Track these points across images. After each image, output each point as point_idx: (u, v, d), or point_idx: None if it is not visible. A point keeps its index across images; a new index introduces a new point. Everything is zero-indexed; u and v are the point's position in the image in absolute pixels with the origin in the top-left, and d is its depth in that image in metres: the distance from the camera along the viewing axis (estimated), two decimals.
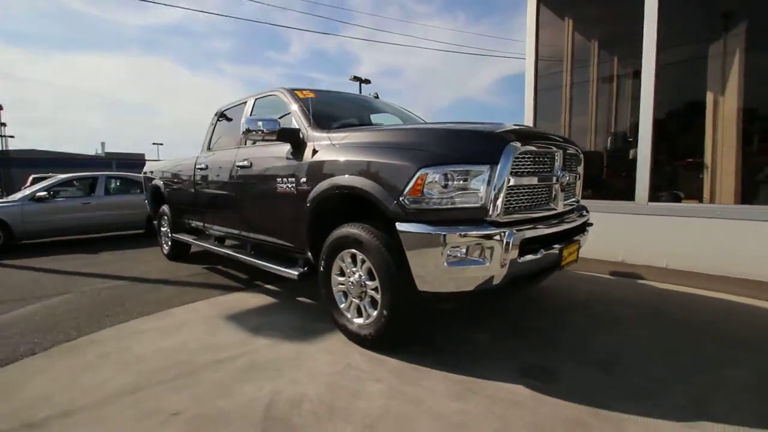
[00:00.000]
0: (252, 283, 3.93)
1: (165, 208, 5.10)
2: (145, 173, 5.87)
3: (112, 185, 7.30)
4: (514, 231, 1.93)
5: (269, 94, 3.28)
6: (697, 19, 4.41)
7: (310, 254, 2.71)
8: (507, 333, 2.50)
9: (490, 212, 1.94)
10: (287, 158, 2.73)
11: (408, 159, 1.98)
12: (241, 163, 3.23)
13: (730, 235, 3.54)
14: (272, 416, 1.70)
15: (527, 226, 2.04)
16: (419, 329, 2.46)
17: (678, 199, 4.37)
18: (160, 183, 5.14)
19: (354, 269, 2.33)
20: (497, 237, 1.88)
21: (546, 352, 2.22)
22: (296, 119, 2.82)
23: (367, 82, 26.73)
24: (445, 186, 1.92)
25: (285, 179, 2.71)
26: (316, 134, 2.60)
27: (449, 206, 1.94)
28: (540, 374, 1.98)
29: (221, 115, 4.01)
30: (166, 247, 5.26)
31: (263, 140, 2.72)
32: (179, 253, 5.10)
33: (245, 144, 3.36)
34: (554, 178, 2.26)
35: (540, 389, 1.84)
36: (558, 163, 2.29)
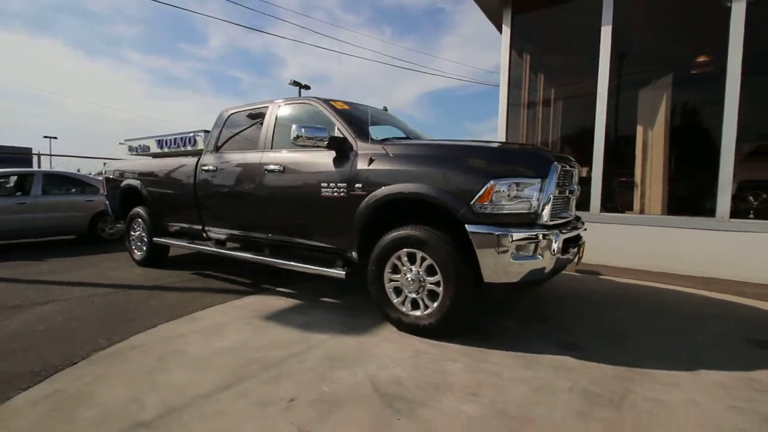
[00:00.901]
0: (259, 286, 3.93)
1: (140, 210, 4.77)
2: (107, 172, 5.39)
3: (50, 184, 6.45)
4: (558, 232, 2.41)
5: (300, 102, 3.42)
6: (634, 67, 5.50)
7: (355, 254, 2.91)
8: (530, 320, 2.97)
9: (540, 217, 2.39)
10: (335, 165, 2.91)
11: (479, 172, 2.35)
12: (271, 167, 3.29)
13: (662, 239, 4.51)
14: (385, 394, 1.92)
15: (562, 229, 2.53)
16: (472, 317, 2.81)
17: (617, 211, 5.36)
18: (135, 183, 4.80)
19: (411, 267, 2.61)
20: (550, 237, 2.33)
21: (568, 331, 2.73)
22: (341, 129, 3.01)
23: (307, 87, 26.63)
24: (508, 195, 2.33)
25: (334, 184, 2.88)
26: (370, 144, 2.83)
27: (510, 211, 2.35)
28: (574, 348, 2.46)
29: (230, 117, 3.97)
30: (139, 253, 4.90)
31: (314, 146, 2.89)
32: (157, 258, 4.80)
33: (271, 148, 3.43)
34: (571, 191, 2.81)
35: (581, 357, 2.31)
36: (574, 179, 2.84)
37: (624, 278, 4.24)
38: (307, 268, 3.09)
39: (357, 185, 2.77)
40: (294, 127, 2.84)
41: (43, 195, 6.23)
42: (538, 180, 2.36)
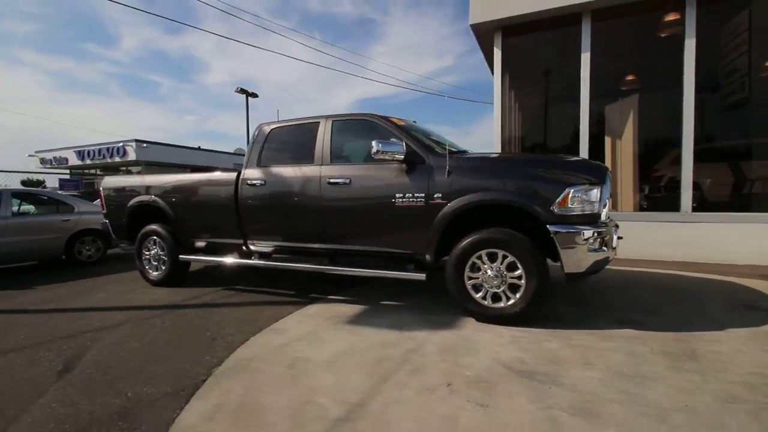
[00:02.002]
0: (307, 296, 4.03)
1: (157, 228, 4.58)
2: (106, 190, 5.04)
3: (20, 204, 5.80)
4: (614, 228, 2.95)
5: (357, 118, 3.63)
6: (606, 85, 6.45)
7: (429, 257, 3.22)
8: (579, 304, 3.48)
9: (600, 216, 2.91)
10: (409, 176, 3.20)
11: (558, 181, 2.81)
12: (334, 180, 3.48)
13: (638, 232, 5.38)
14: (519, 371, 2.26)
15: (612, 226, 3.08)
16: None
17: None
18: (150, 199, 4.60)
19: (492, 264, 2.99)
20: (610, 233, 2.86)
21: (614, 311, 3.28)
22: (410, 144, 3.30)
23: (254, 95, 25.86)
24: (579, 199, 2.81)
25: (410, 195, 3.17)
26: (442, 158, 3.15)
27: (579, 213, 2.84)
28: (628, 322, 3.00)
29: (271, 133, 4.04)
30: (156, 273, 4.67)
31: (392, 160, 3.16)
32: (177, 277, 4.64)
33: (330, 162, 3.61)
34: (609, 195, 3.39)
35: (640, 329, 2.85)
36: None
37: (617, 266, 5.01)
38: (389, 273, 3.32)
39: (437, 195, 3.09)
40: (374, 142, 3.09)
41: (13, 216, 5.59)
42: (599, 186, 2.88)
